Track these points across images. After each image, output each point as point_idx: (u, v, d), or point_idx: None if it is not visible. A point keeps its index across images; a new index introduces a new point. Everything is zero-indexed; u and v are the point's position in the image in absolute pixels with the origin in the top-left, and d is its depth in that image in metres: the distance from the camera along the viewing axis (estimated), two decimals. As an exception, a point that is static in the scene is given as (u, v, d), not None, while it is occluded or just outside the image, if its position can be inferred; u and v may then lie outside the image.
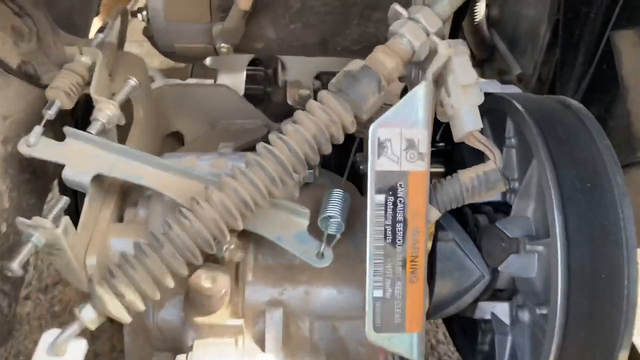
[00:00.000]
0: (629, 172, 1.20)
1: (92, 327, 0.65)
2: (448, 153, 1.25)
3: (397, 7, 0.73)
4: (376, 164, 0.70)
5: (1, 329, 0.83)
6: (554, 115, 0.93)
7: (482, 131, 0.74)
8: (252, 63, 1.54)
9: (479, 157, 1.01)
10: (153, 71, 1.35)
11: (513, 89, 1.66)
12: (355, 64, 0.71)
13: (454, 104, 0.72)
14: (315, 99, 1.14)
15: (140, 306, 0.66)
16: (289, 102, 1.38)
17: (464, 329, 1.17)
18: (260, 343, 0.77)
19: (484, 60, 2.01)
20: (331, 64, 1.42)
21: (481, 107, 1.06)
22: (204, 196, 0.67)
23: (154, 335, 0.84)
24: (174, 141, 1.24)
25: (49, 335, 0.65)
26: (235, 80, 1.41)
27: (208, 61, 1.42)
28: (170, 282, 0.66)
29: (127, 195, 0.92)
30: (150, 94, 1.11)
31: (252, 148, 1.11)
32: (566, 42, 1.36)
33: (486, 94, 1.04)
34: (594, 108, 1.30)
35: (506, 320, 1.00)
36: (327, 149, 0.70)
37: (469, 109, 0.72)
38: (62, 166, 0.81)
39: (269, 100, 1.49)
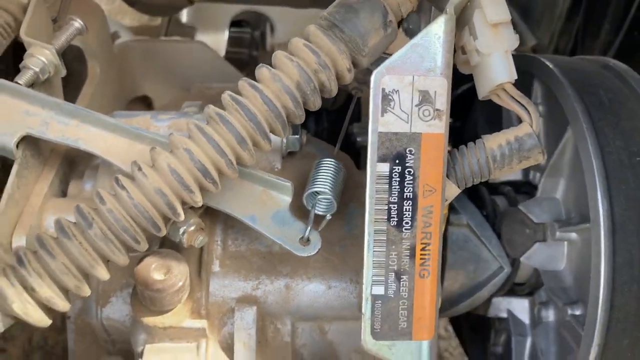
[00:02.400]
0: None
1: (-2, 330, 0.49)
2: (457, 129, 1.11)
3: None
4: (380, 123, 0.53)
5: None
6: (593, 77, 0.79)
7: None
8: (238, 24, 1.37)
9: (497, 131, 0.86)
10: (121, 29, 1.18)
11: (529, 60, 1.51)
12: (354, -8, 0.54)
13: (482, 48, 0.56)
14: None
15: (61, 304, 0.49)
16: (277, 66, 1.21)
17: (473, 326, 1.07)
18: (228, 350, 0.63)
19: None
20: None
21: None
22: (149, 160, 0.51)
23: (101, 336, 0.68)
24: (141, 107, 1.08)
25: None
26: (215, 40, 1.25)
27: (184, 17, 1.25)
28: (101, 273, 0.50)
29: (74, 164, 0.76)
30: (110, 49, 0.96)
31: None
32: (590, 8, 1.26)
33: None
34: (621, 82, 1.16)
35: (525, 319, 0.89)
36: (315, 103, 0.54)
37: (500, 54, 0.56)
38: None
39: (256, 66, 1.32)
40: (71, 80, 0.88)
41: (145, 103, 1.10)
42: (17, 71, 0.69)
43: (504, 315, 0.90)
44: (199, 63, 1.04)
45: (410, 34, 0.90)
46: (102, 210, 0.48)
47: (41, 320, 0.48)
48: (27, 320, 0.48)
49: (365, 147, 0.56)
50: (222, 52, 1.27)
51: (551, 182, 0.82)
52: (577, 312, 0.75)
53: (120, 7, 1.28)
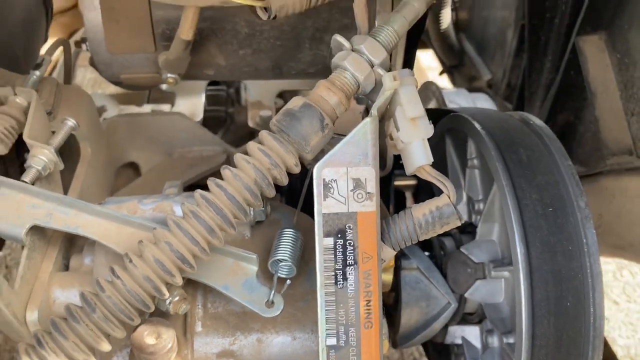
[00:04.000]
0: (599, 180, 1.19)
1: (23, 400, 0.61)
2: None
3: (338, 37, 0.70)
4: (323, 206, 0.66)
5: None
6: (515, 136, 0.90)
7: (435, 155, 0.70)
8: (214, 82, 1.50)
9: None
10: (106, 100, 1.30)
11: (482, 98, 1.64)
12: (297, 101, 0.67)
13: (403, 138, 0.68)
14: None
15: (73, 376, 0.61)
16: (250, 124, 1.35)
17: (438, 352, 1.15)
18: None
19: (454, 67, 1.99)
20: (293, 82, 1.38)
21: (444, 126, 1.04)
22: (137, 252, 0.63)
23: (104, 391, 0.80)
24: (130, 172, 1.20)
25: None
26: (194, 103, 1.37)
27: (164, 85, 1.38)
28: (106, 346, 0.62)
29: (74, 241, 0.88)
30: (99, 128, 1.07)
31: (211, 176, 1.08)
32: (533, 48, 1.35)
33: (447, 112, 1.03)
34: (564, 115, 1.29)
35: (477, 344, 0.99)
36: (270, 193, 0.66)
37: (418, 142, 0.68)
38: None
39: (232, 122, 1.45)
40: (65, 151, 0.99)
41: (132, 168, 1.22)
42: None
43: (459, 341, 1.00)
44: (179, 131, 1.16)
45: (360, 102, 1.04)
46: (102, 297, 0.61)
47: (58, 389, 0.60)
48: (46, 390, 0.60)
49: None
50: (201, 112, 1.39)
51: (487, 226, 0.92)
52: (511, 341, 0.86)
53: (105, 76, 1.40)
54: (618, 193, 1.21)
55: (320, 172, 0.66)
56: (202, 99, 1.41)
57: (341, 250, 0.67)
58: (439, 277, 0.94)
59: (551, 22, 1.30)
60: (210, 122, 1.36)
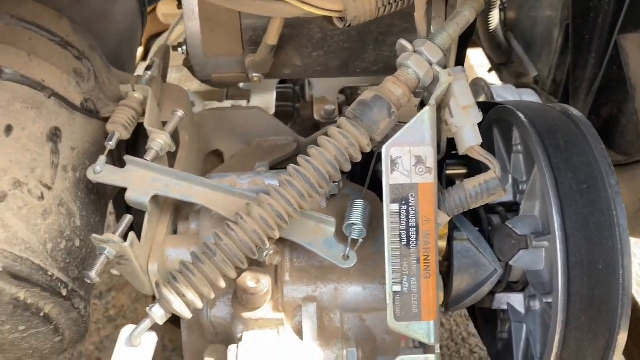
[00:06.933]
0: (639, 168, 1.28)
1: (161, 322, 0.79)
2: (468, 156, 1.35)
3: (403, 42, 0.85)
4: (390, 178, 0.82)
5: (80, 328, 0.98)
6: (555, 124, 1.02)
7: (484, 143, 0.84)
8: (282, 81, 1.67)
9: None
10: (193, 96, 1.49)
11: (528, 93, 1.74)
12: (368, 94, 0.83)
13: (457, 123, 0.83)
14: (340, 113, 1.27)
15: (199, 304, 0.80)
16: (316, 117, 1.51)
17: (485, 318, 1.27)
18: (299, 333, 0.89)
19: (502, 64, 2.09)
20: (354, 79, 1.53)
21: (491, 117, 1.18)
22: (246, 211, 0.81)
23: (208, 330, 0.98)
24: (214, 158, 1.38)
25: (127, 330, 0.80)
26: (266, 99, 1.55)
27: (241, 84, 1.56)
28: (222, 284, 0.80)
29: (179, 210, 1.06)
30: (193, 119, 1.26)
31: (283, 162, 1.25)
32: (577, 46, 1.43)
33: (495, 104, 1.16)
34: (607, 107, 1.38)
35: (521, 309, 1.10)
36: (347, 167, 0.83)
37: (469, 127, 0.83)
38: (117, 187, 0.95)
39: (298, 115, 1.62)
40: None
41: (216, 155, 1.40)
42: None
43: (505, 307, 1.11)
44: (257, 123, 1.31)
45: (416, 95, 1.19)
46: (221, 245, 0.79)
47: (188, 314, 0.79)
48: (180, 314, 0.78)
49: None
50: (273, 107, 1.57)
51: (529, 203, 1.03)
52: (550, 300, 0.99)
53: (188, 75, 1.59)
54: (655, 179, 1.29)
55: (388, 151, 0.81)
56: (273, 95, 1.58)
57: (405, 214, 0.82)
58: (487, 247, 1.07)
59: (594, 22, 1.38)
60: (280, 115, 1.53)
